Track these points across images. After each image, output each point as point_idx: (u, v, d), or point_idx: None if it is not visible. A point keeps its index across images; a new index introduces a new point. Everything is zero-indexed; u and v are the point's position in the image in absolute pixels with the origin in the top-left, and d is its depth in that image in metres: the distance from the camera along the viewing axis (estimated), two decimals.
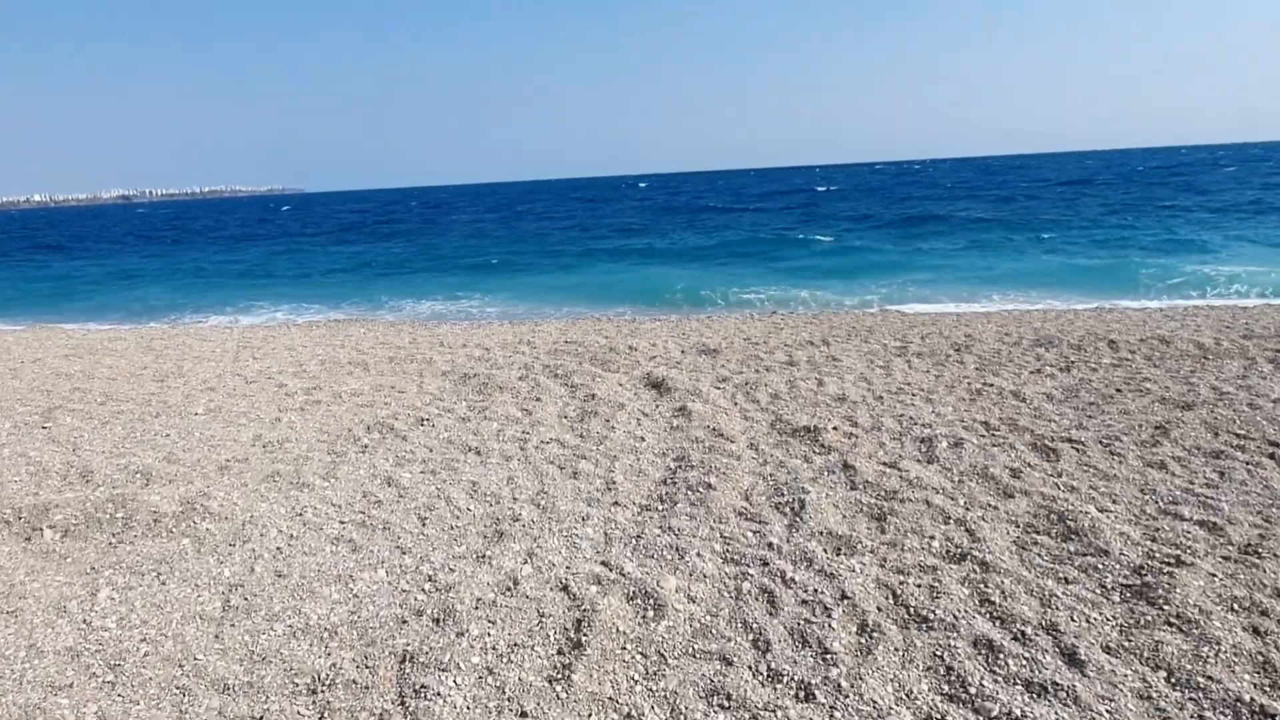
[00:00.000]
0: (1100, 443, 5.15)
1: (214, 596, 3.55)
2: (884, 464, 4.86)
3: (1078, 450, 5.01)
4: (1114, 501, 4.23)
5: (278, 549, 3.97)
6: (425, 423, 6.11)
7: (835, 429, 5.51)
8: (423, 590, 3.51)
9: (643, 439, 5.55)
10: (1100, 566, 3.47)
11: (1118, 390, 6.46)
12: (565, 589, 3.45)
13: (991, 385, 6.80)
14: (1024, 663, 2.84)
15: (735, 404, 6.46)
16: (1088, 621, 3.08)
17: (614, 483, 4.73)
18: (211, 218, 72.80)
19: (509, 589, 3.48)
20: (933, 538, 3.82)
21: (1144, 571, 3.40)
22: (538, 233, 34.75)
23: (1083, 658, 2.85)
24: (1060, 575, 3.43)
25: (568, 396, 6.89)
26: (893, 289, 15.19)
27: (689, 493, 4.49)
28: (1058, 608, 3.17)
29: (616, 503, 4.44)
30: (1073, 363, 7.50)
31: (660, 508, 4.36)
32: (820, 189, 62.98)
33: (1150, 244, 20.05)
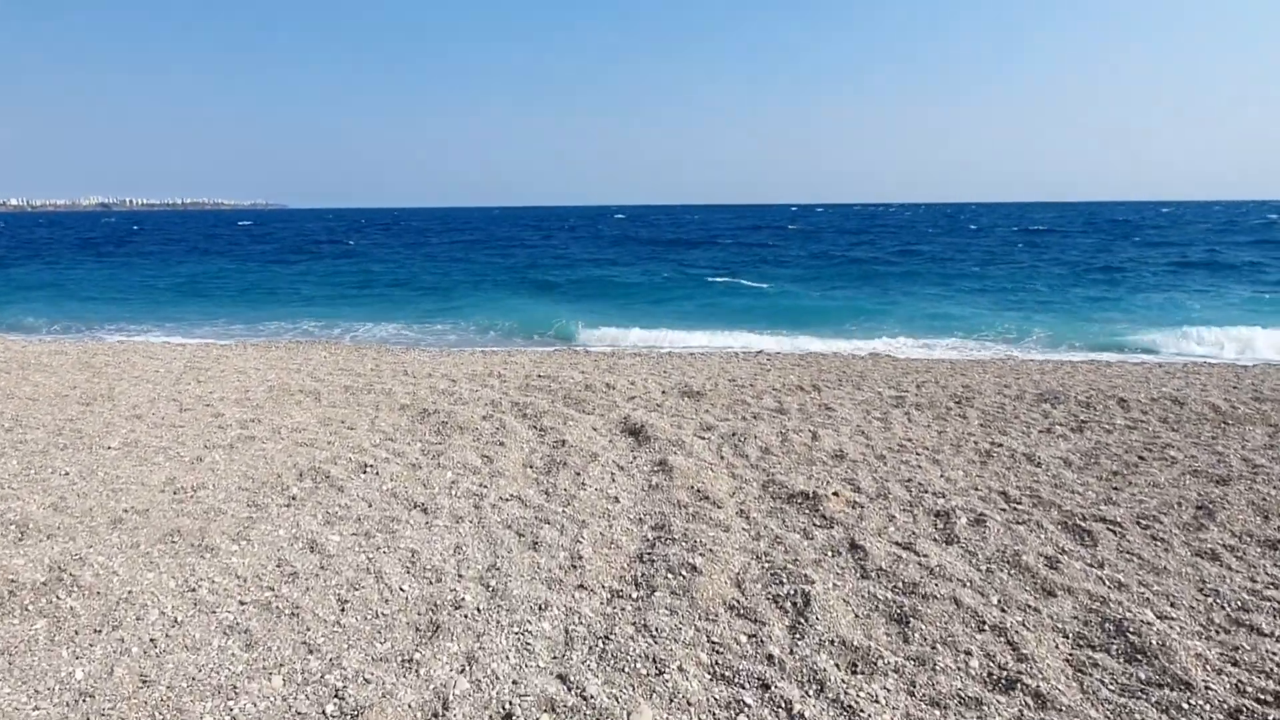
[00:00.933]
0: (1138, 523, 4.46)
1: (52, 711, 2.70)
2: (897, 544, 4.12)
3: (1114, 533, 4.32)
4: (1172, 605, 3.53)
5: (152, 641, 3.12)
6: (369, 469, 5.28)
7: (837, 495, 4.77)
8: (323, 713, 2.69)
9: (617, 499, 4.77)
10: (1186, 707, 2.74)
11: (1140, 458, 5.81)
12: (508, 719, 2.65)
13: (1001, 445, 6.13)
14: None
15: (722, 458, 5.71)
16: None
17: (581, 557, 3.93)
18: (177, 229, 70.99)
19: (436, 716, 2.67)
20: (969, 653, 3.07)
21: (1242, 717, 2.68)
22: (490, 267, 34.17)
23: None
24: (1138, 718, 2.70)
25: (535, 441, 6.11)
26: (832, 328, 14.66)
27: (670, 576, 3.70)
28: None
29: (582, 585, 3.65)
30: (1084, 423, 6.87)
31: (635, 595, 3.56)
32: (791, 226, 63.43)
33: (1097, 296, 19.74)
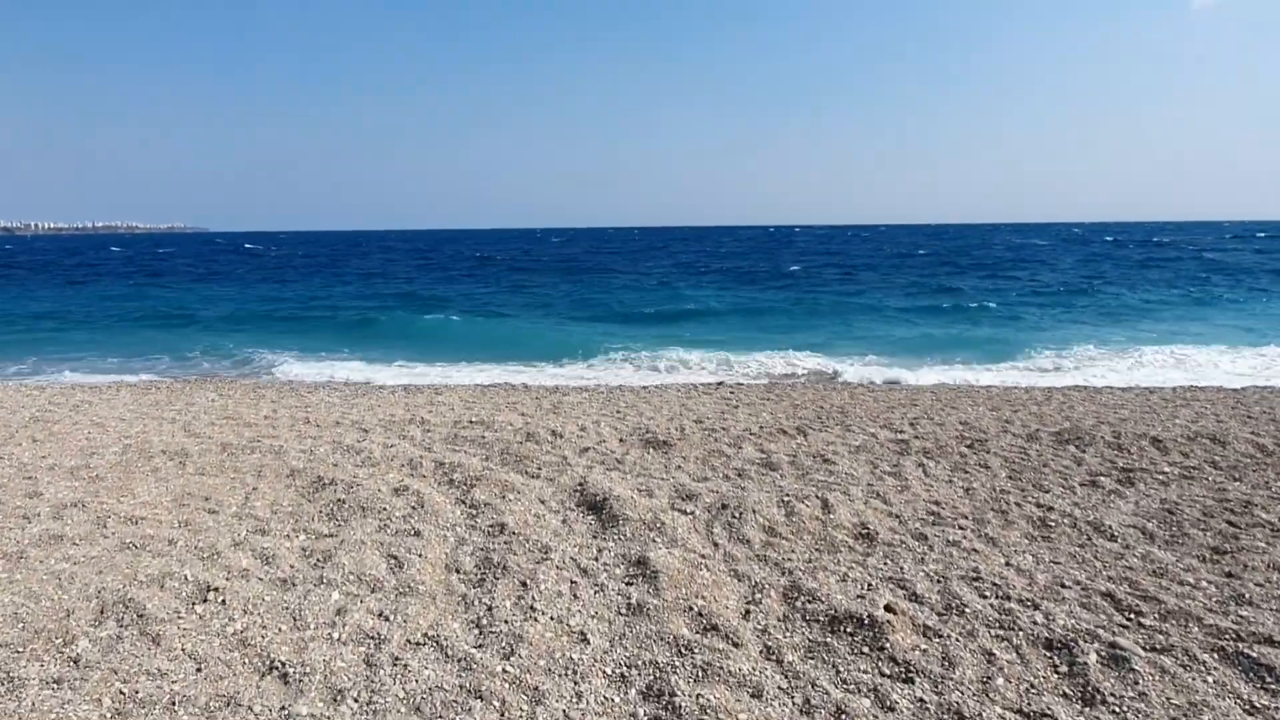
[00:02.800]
0: None
1: None
2: (1020, 713, 2.68)
3: None
4: None
5: None
6: (214, 594, 3.53)
7: (894, 613, 3.31)
8: None
9: (584, 637, 3.18)
10: None
11: (1229, 524, 4.58)
12: None
13: (1052, 510, 4.82)
14: None
15: (716, 546, 4.20)
16: None
17: None
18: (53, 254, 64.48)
19: None
20: None
21: None
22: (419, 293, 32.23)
23: None
24: None
25: (464, 526, 4.47)
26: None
27: None
28: None
29: None
30: (1128, 472, 5.66)
31: None
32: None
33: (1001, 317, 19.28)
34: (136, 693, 2.74)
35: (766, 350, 13.86)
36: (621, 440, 6.69)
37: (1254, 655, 3.01)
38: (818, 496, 4.98)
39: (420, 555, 3.99)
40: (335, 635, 3.16)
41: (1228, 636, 3.17)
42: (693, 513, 4.71)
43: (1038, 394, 9.44)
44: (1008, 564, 3.98)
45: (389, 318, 19.86)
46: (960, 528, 4.54)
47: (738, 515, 4.62)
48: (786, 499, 4.91)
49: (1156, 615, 3.37)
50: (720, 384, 10.48)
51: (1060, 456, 6.10)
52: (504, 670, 2.90)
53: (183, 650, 3.03)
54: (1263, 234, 72.98)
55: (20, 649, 3.02)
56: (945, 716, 2.62)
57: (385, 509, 4.73)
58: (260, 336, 16.43)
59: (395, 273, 37.39)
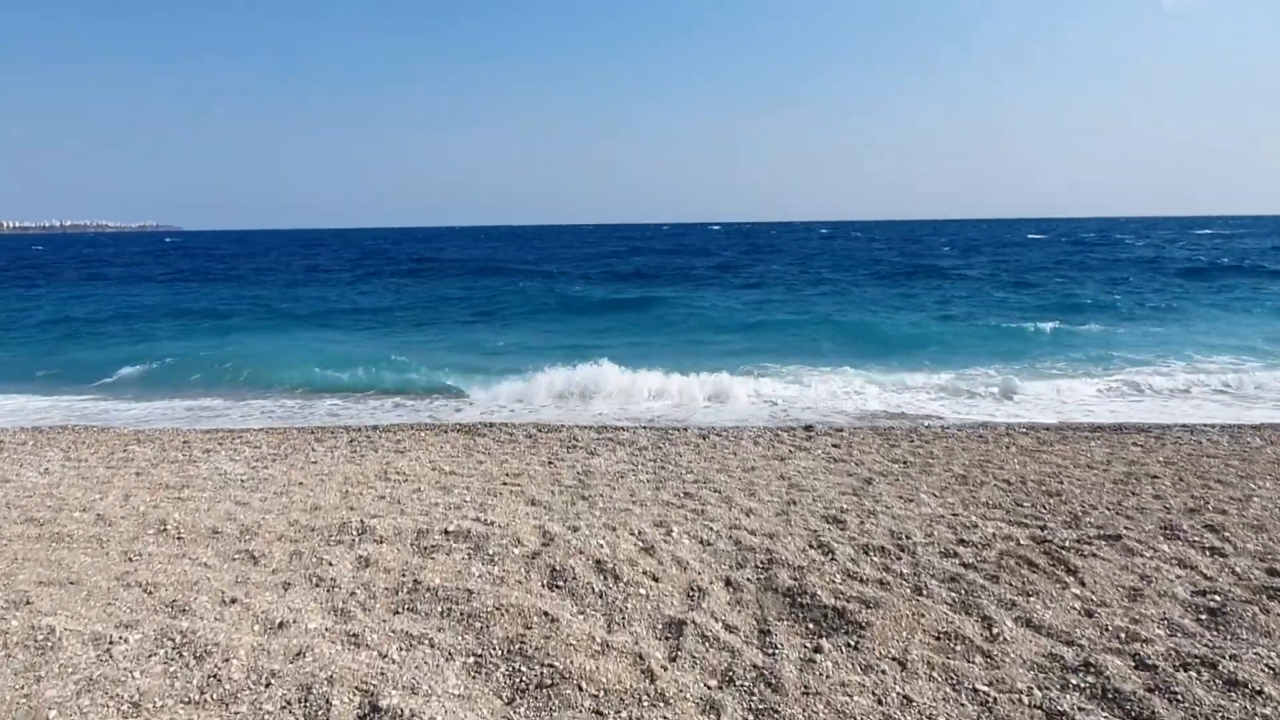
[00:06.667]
0: None
1: None
2: None
3: None
4: None
5: None
6: None
7: None
8: None
9: None
10: None
11: None
12: None
13: None
14: None
15: None
16: None
17: None
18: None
19: None
20: None
21: None
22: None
23: None
24: None
25: None
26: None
27: None
28: None
29: None
30: None
31: None
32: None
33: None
34: None
35: (792, 364, 10.66)
36: (730, 586, 3.41)
37: None
38: None
39: None
40: None
41: None
42: None
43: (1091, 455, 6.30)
44: None
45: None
46: None
47: None
48: None
49: None
50: (810, 430, 7.17)
51: None
52: None
53: None
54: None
55: None
56: None
57: None
58: None
59: (271, 278, 30.48)
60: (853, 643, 2.88)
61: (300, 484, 5.29)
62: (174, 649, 2.85)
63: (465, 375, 10.29)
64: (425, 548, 3.90)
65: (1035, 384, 9.45)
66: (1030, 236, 63.50)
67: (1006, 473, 5.38)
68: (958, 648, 2.86)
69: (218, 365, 11.30)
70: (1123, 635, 2.97)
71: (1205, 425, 7.17)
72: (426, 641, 2.90)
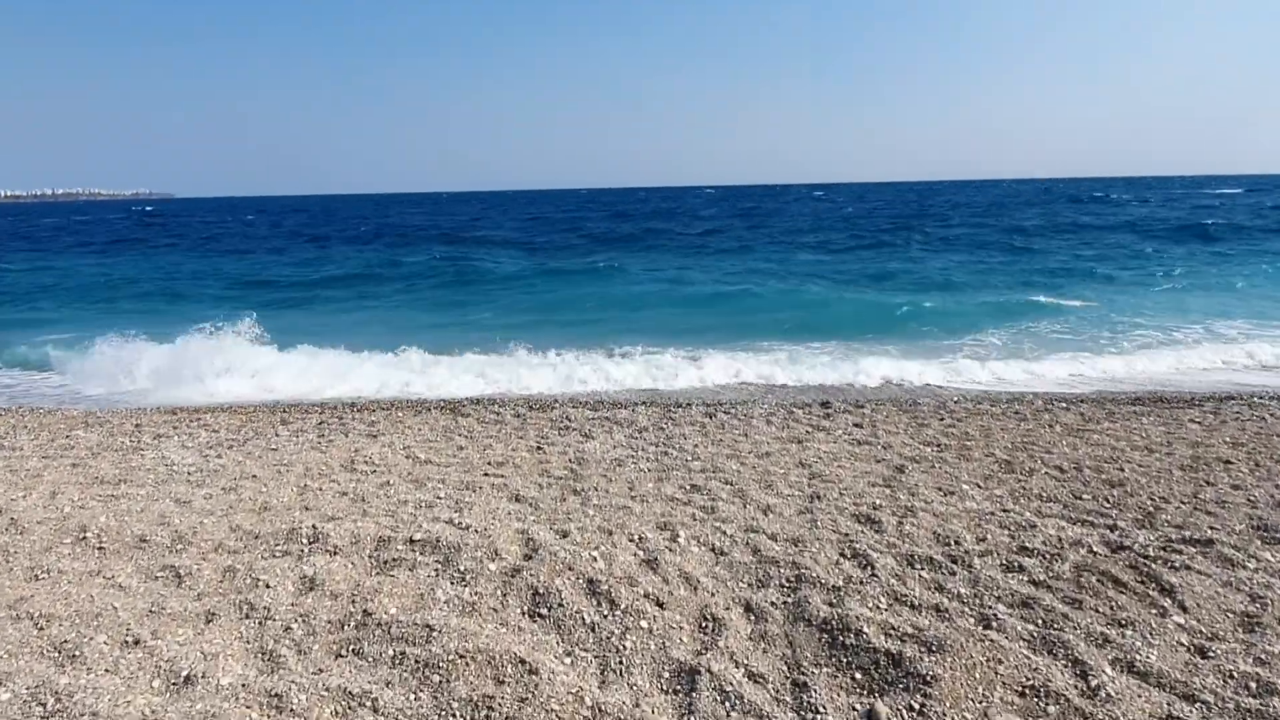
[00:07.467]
0: None
1: None
2: None
3: None
4: None
5: None
6: None
7: None
8: None
9: None
10: None
11: None
12: None
13: None
14: None
15: None
16: None
17: None
18: None
19: None
20: None
21: None
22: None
23: None
24: None
25: None
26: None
27: None
28: None
29: None
30: None
31: None
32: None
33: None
34: None
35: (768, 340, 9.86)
36: (751, 613, 2.77)
37: None
38: None
39: None
40: None
41: None
42: None
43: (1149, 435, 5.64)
44: None
45: None
46: None
47: None
48: None
49: None
50: (827, 404, 6.49)
51: None
52: None
53: None
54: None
55: None
56: None
57: None
58: None
59: (221, 246, 28.85)
60: (917, 705, 2.23)
61: (254, 477, 4.62)
62: (42, 719, 2.21)
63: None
64: (385, 561, 3.25)
65: (1049, 353, 8.78)
66: (1030, 203, 62.02)
67: (1056, 457, 4.72)
68: (1050, 709, 2.22)
69: None
70: (1253, 685, 2.34)
71: (1262, 399, 6.50)
72: (369, 704, 2.26)
